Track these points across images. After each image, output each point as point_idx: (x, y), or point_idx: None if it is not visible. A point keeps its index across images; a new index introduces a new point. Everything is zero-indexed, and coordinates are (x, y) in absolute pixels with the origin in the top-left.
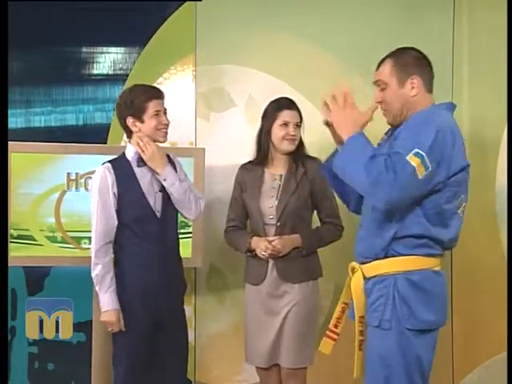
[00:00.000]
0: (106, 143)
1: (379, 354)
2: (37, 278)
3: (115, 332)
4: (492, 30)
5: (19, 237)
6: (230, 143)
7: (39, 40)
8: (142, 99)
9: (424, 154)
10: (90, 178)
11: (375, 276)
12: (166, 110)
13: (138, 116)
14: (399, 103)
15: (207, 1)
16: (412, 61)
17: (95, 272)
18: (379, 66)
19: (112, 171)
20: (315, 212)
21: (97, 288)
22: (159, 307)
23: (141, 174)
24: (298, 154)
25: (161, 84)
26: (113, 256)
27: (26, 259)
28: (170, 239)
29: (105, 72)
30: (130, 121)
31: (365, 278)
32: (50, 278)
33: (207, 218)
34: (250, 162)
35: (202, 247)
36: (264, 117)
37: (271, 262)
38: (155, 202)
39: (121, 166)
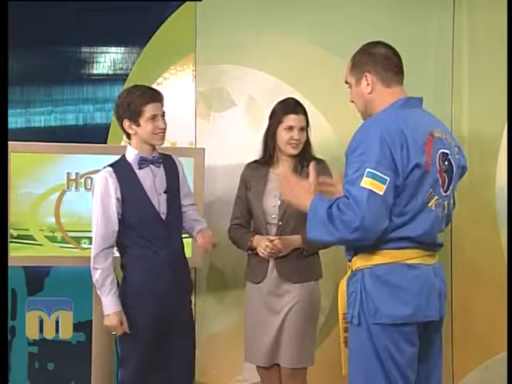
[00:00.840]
0: (105, 143)
1: (353, 350)
2: (37, 278)
3: (123, 335)
4: (492, 30)
5: (19, 237)
6: (230, 143)
7: (39, 40)
8: (138, 102)
9: (374, 171)
10: (90, 178)
11: (352, 272)
12: (164, 112)
13: (135, 119)
14: (361, 101)
15: (207, 1)
16: (365, 58)
17: (95, 277)
18: None
19: (114, 175)
20: None
21: (98, 292)
22: (167, 309)
23: (143, 175)
24: (304, 155)
25: (161, 84)
26: (118, 258)
27: (26, 259)
28: (176, 241)
29: (105, 72)
30: (126, 124)
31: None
32: (49, 278)
33: (207, 218)
34: (255, 161)
35: None
36: (271, 118)
37: (272, 262)
38: (159, 203)
39: (122, 169)
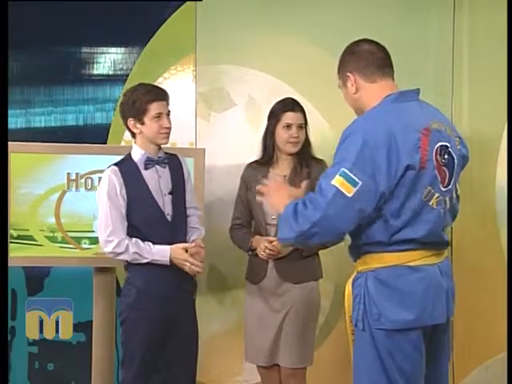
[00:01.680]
0: (106, 143)
1: (358, 354)
2: (37, 278)
3: (127, 337)
4: (492, 30)
5: (19, 237)
6: (230, 143)
7: (39, 40)
8: (143, 101)
9: (347, 171)
10: (91, 178)
11: (356, 275)
12: (169, 111)
13: (139, 118)
14: (351, 102)
15: (207, 1)
16: (347, 57)
17: (119, 250)
18: None
19: (119, 174)
20: None
21: (136, 262)
22: (170, 310)
23: (148, 176)
24: (303, 155)
25: (161, 84)
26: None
27: (26, 259)
28: (181, 242)
29: (105, 72)
30: (130, 122)
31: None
32: (49, 278)
33: (207, 218)
34: (256, 161)
35: None
36: (269, 118)
37: (272, 262)
38: (164, 204)
39: (127, 169)
